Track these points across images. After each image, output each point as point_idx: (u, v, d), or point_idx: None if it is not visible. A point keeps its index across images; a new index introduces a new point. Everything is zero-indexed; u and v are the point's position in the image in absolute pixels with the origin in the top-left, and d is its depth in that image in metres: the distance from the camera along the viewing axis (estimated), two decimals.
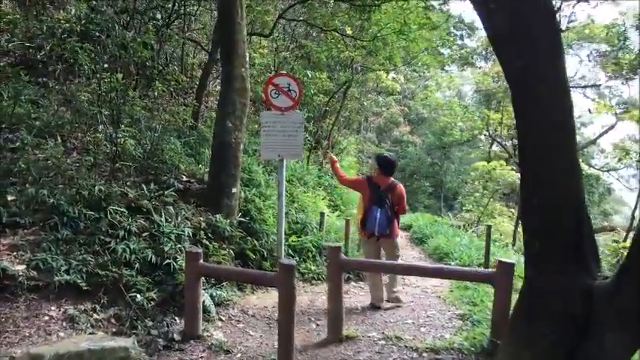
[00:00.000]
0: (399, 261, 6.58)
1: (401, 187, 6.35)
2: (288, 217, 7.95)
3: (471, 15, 33.23)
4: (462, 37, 29.70)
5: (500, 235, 14.11)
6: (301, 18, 11.16)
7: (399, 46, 10.45)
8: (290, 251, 7.31)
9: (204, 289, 5.42)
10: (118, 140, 6.24)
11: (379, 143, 26.13)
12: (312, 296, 6.64)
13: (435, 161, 24.01)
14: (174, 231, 5.63)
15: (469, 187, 21.53)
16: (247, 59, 6.75)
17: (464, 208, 17.83)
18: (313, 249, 7.63)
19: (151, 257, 5.25)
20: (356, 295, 6.91)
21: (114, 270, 4.90)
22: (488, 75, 14.44)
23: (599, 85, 29.06)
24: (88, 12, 7.60)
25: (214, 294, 5.56)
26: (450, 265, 9.42)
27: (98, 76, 6.62)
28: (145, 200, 5.84)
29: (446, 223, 15.34)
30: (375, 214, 6.03)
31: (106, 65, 6.70)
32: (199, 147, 7.47)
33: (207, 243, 5.96)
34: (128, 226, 5.39)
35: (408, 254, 11.49)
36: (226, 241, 6.28)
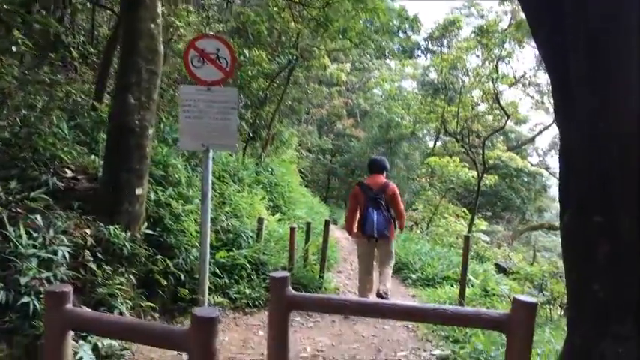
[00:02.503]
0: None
1: (393, 186, 6.30)
2: (217, 225, 6.25)
3: (414, 8, 32.37)
4: (405, 31, 28.76)
5: (457, 238, 12.96)
6: None
7: (355, 15, 8.88)
8: (218, 270, 5.61)
9: (83, 337, 3.68)
10: None
11: (321, 137, 24.66)
12: (245, 333, 4.98)
13: (379, 156, 22.84)
14: (40, 252, 3.81)
15: (416, 184, 20.48)
16: (159, 12, 4.98)
17: (413, 207, 16.63)
18: (248, 266, 5.97)
19: None
20: (302, 329, 5.32)
21: None
22: (446, 61, 13.21)
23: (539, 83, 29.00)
24: None
25: (101, 344, 3.81)
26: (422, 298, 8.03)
27: None
28: None
29: None
30: (372, 216, 6.01)
31: None
32: (97, 132, 5.63)
33: (95, 267, 4.18)
34: None
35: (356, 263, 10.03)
36: (126, 261, 4.52)
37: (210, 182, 5.13)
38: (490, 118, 16.18)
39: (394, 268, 8.42)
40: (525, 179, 28.11)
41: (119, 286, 4.23)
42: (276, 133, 12.51)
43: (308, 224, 7.03)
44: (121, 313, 4.13)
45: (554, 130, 34.07)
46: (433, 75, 25.49)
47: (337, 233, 15.03)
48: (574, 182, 2.71)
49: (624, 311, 2.58)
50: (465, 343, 4.67)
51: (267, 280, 5.86)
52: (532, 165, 29.10)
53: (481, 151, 15.52)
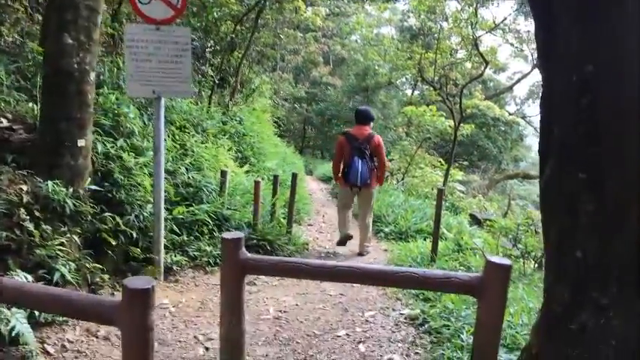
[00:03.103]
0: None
1: (378, 137, 6.51)
2: (176, 178, 5.84)
3: None
4: None
5: (432, 189, 12.75)
6: None
7: None
8: (175, 227, 5.25)
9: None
10: None
11: (296, 84, 23.96)
12: (204, 294, 4.69)
13: (357, 105, 22.30)
14: None
15: (392, 133, 20.16)
16: None
17: (389, 157, 16.33)
18: (210, 222, 5.62)
19: None
20: (265, 288, 5.05)
21: None
22: (424, 4, 12.58)
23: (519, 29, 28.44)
24: None
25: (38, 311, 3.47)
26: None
27: None
28: None
29: None
30: (357, 165, 6.22)
31: None
32: (38, 77, 5.08)
33: (32, 227, 3.78)
34: None
35: (331, 214, 9.79)
36: (68, 220, 4.12)
37: (162, 133, 4.71)
38: (469, 65, 15.73)
39: None
40: (502, 128, 27.99)
41: (60, 247, 3.86)
42: (246, 80, 11.93)
43: (275, 177, 6.66)
44: (63, 276, 3.78)
45: (533, 79, 33.87)
46: (412, 20, 24.74)
47: (312, 185, 14.77)
48: (558, 133, 2.38)
49: (607, 277, 2.31)
50: (436, 302, 4.46)
51: None
52: (510, 114, 28.91)
53: (459, 100, 15.18)
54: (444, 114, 15.18)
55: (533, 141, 42.44)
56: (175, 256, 5.04)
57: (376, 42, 18.59)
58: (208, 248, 5.32)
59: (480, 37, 12.00)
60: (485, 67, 13.43)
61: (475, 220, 10.68)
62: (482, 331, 3.05)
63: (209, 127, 7.77)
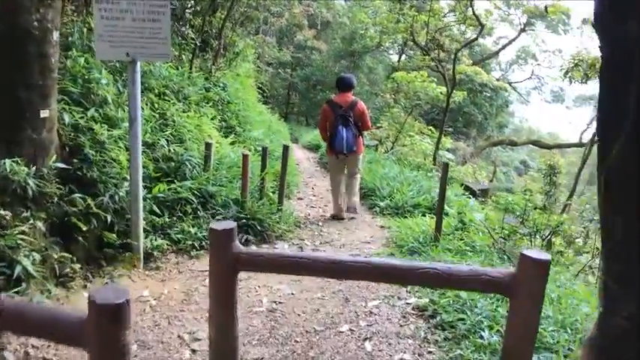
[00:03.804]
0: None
1: (361, 103, 6.60)
2: (156, 152, 5.29)
3: None
4: None
5: (426, 159, 12.34)
6: None
7: None
8: (156, 207, 4.73)
9: None
10: None
11: (280, 48, 23.11)
12: (189, 283, 4.21)
13: (343, 70, 21.61)
14: None
15: (380, 99, 19.61)
16: None
17: (377, 124, 15.83)
18: (194, 200, 5.11)
19: None
20: (258, 275, 4.58)
21: None
22: None
23: None
24: None
25: None
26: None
27: None
28: None
29: None
30: (342, 133, 6.28)
31: None
32: None
33: None
34: None
35: (321, 185, 9.32)
36: (32, 204, 3.58)
37: (139, 101, 4.16)
38: (461, 28, 15.15)
39: (360, 195, 7.80)
40: (488, 94, 27.61)
41: (22, 236, 3.33)
42: (230, 44, 11.21)
43: (264, 149, 6.12)
44: (25, 270, 3.27)
45: (518, 44, 33.32)
46: None
47: (299, 153, 14.23)
48: (635, 104, 1.90)
49: None
50: (445, 290, 4.05)
51: (217, 216, 5.06)
52: (497, 80, 28.48)
53: (449, 66, 14.64)
54: (435, 80, 14.66)
55: (516, 107, 42.34)
56: (156, 240, 4.54)
57: (365, 3, 17.81)
58: (192, 230, 4.82)
59: None
60: (481, 31, 12.87)
61: (469, 192, 10.32)
62: (513, 335, 2.65)
63: (191, 94, 7.16)
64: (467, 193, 8.98)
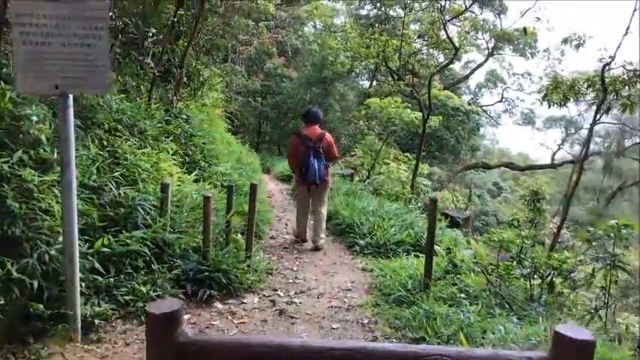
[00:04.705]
0: None
1: (329, 135, 6.93)
2: (103, 197, 4.58)
3: None
4: None
5: (405, 188, 11.80)
6: None
7: None
8: (98, 264, 4.00)
9: None
10: None
11: (250, 77, 22.58)
12: (137, 355, 3.48)
13: (314, 97, 21.15)
14: None
15: (352, 126, 19.22)
16: None
17: (351, 151, 15.32)
18: (147, 251, 4.40)
19: None
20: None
21: None
22: None
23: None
24: None
25: None
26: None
27: None
28: None
29: (335, 173, 12.71)
30: (314, 165, 6.55)
31: None
32: None
33: None
34: None
35: (295, 221, 8.63)
36: None
37: (72, 142, 3.49)
38: (433, 53, 14.87)
39: (337, 232, 7.25)
40: (460, 118, 27.59)
41: None
42: (194, 73, 10.59)
43: (230, 188, 5.45)
44: None
45: (486, 68, 33.68)
46: (369, 7, 23.77)
47: (270, 185, 13.59)
48: None
49: None
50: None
51: (174, 270, 4.36)
52: (469, 103, 28.54)
53: (422, 91, 14.32)
54: (409, 105, 14.27)
55: (487, 130, 42.70)
56: (98, 304, 3.80)
57: (336, 29, 17.48)
58: (144, 288, 4.10)
59: (449, 20, 11.06)
60: (456, 54, 12.56)
61: (451, 221, 9.80)
62: None
63: (148, 128, 6.48)
64: (448, 223, 8.46)
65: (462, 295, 4.55)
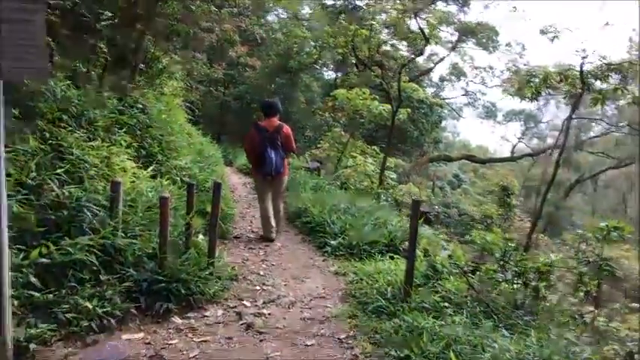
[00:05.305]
0: None
1: (287, 127, 6.89)
2: (43, 198, 4.01)
3: None
4: None
5: (373, 182, 11.47)
6: None
7: None
8: (35, 278, 3.44)
9: None
10: None
11: (211, 65, 21.81)
12: None
13: (277, 87, 20.56)
14: None
15: (318, 118, 18.79)
16: None
17: (319, 145, 14.90)
18: (94, 260, 3.85)
19: None
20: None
21: None
22: None
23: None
24: None
25: None
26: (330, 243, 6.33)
27: None
28: None
29: (301, 167, 12.27)
30: (270, 156, 6.56)
31: None
32: None
33: None
34: None
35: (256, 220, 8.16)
36: None
37: (2, 136, 2.91)
38: (400, 45, 14.56)
39: (307, 231, 6.89)
40: (424, 111, 27.60)
41: None
42: (152, 59, 9.93)
43: (190, 186, 4.93)
44: None
45: (449, 61, 33.84)
46: None
47: (234, 178, 13.06)
48: None
49: None
50: None
51: (126, 281, 3.85)
52: (433, 96, 28.56)
53: (395, 83, 13.98)
54: (376, 97, 13.92)
55: (448, 123, 43.13)
56: (35, 325, 3.25)
57: (302, 16, 16.95)
58: (90, 304, 3.55)
59: (422, 9, 10.72)
60: (426, 45, 12.26)
61: (424, 217, 9.50)
62: None
63: (98, 118, 5.87)
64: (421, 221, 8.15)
65: (446, 304, 4.19)
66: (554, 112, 39.94)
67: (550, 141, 42.45)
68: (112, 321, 3.62)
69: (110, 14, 8.96)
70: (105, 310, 3.59)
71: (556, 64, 10.13)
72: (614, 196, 42.33)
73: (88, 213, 4.14)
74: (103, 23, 8.80)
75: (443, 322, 3.78)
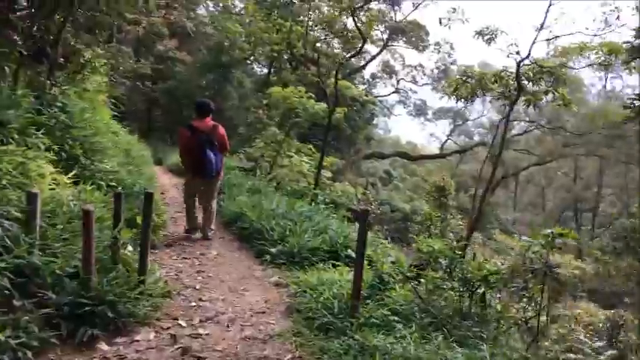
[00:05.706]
0: None
1: (221, 127, 6.74)
2: None
3: None
4: None
5: (309, 182, 11.27)
6: None
7: None
8: None
9: None
10: None
11: (138, 59, 20.85)
12: None
13: (209, 83, 19.93)
14: None
15: (251, 116, 18.37)
16: None
17: (252, 143, 14.51)
18: (6, 285, 3.38)
19: None
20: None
21: None
22: None
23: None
24: None
25: None
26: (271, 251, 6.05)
27: None
28: None
29: (235, 167, 11.89)
30: (210, 157, 6.42)
31: None
32: None
33: None
34: None
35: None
36: None
37: None
38: (334, 43, 14.43)
39: (244, 238, 6.63)
40: (356, 108, 27.83)
41: None
42: (73, 53, 9.20)
43: (117, 196, 4.50)
44: None
45: (380, 60, 34.37)
46: None
47: (164, 179, 12.47)
48: None
49: None
50: None
51: (45, 306, 3.42)
52: (366, 94, 28.81)
53: (326, 81, 13.86)
54: (312, 95, 13.73)
55: (379, 120, 43.95)
56: None
57: (233, 11, 16.46)
58: (2, 335, 3.10)
59: (360, 6, 10.61)
60: (364, 43, 12.18)
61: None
62: None
63: (12, 118, 5.29)
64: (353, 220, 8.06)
65: (395, 318, 4.05)
66: (479, 109, 41.57)
67: (477, 138, 44.21)
68: (29, 353, 3.17)
69: (25, 3, 8.24)
70: (19, 341, 3.15)
71: (480, 62, 10.29)
72: (533, 192, 44.71)
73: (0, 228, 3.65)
74: (18, 14, 8.07)
75: (393, 340, 3.62)
